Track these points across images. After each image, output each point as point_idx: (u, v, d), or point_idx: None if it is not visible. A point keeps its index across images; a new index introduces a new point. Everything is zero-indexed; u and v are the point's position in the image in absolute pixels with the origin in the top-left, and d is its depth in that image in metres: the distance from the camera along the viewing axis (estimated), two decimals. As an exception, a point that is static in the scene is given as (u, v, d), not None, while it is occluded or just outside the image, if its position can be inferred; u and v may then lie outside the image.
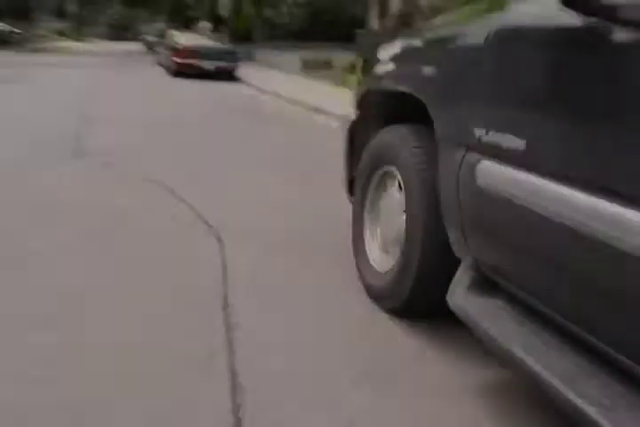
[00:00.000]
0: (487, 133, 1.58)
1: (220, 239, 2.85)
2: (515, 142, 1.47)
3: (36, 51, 26.46)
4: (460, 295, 1.78)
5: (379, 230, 2.44)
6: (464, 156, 1.70)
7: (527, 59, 1.51)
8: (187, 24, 30.93)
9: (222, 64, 15.57)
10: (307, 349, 1.93)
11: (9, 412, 1.48)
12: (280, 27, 27.35)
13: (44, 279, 2.28)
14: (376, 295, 2.31)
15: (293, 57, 18.60)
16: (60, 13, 46.49)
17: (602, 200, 1.20)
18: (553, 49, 1.43)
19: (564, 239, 1.32)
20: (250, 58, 21.29)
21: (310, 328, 2.08)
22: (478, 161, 1.62)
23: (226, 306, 2.15)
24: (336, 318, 2.16)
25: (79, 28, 46.75)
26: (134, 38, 52.42)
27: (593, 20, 1.23)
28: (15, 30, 34.86)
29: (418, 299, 2.09)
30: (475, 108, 1.68)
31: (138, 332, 1.94)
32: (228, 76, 15.55)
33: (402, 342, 2.03)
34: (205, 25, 29.58)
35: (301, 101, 10.00)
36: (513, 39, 1.59)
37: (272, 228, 3.08)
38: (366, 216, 2.52)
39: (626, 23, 1.17)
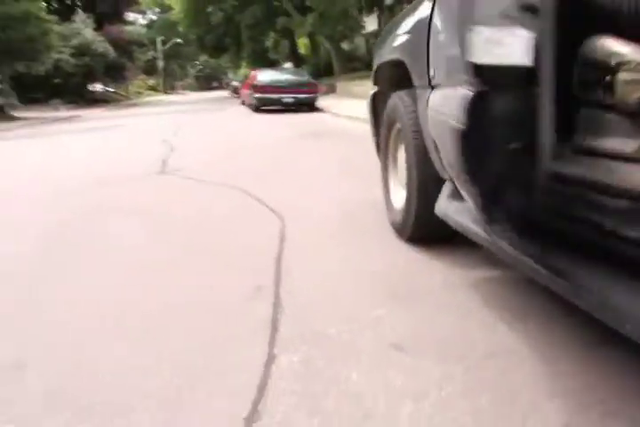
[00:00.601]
0: (434, 73, 2.19)
1: (282, 219, 3.52)
2: (440, 73, 2.08)
3: (129, 105, 29.03)
4: (442, 203, 2.35)
5: (397, 175, 3.06)
6: (428, 95, 2.29)
7: (447, 21, 2.10)
8: (269, 67, 32.78)
9: (301, 96, 16.43)
10: (344, 283, 2.50)
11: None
12: (357, 59, 28.44)
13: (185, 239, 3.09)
14: (397, 229, 2.93)
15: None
16: (151, 69, 50.42)
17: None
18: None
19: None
20: (331, 90, 22.33)
21: (350, 270, 2.68)
22: (430, 93, 2.22)
23: (279, 258, 2.79)
24: (375, 264, 2.75)
25: (169, 81, 50.40)
26: (221, 86, 55.52)
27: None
28: (110, 89, 38.16)
29: (422, 223, 2.66)
30: (429, 58, 2.29)
31: (217, 271, 2.67)
32: (308, 107, 16.39)
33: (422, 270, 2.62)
34: (287, 66, 31.38)
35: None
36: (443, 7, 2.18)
37: (327, 212, 3.70)
38: (389, 165, 3.18)
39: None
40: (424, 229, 2.74)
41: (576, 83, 1.66)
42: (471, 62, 1.65)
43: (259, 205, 3.92)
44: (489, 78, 1.65)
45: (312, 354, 1.79)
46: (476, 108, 1.65)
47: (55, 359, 1.83)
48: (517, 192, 1.70)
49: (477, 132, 1.67)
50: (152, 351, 1.86)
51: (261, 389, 1.58)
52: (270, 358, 1.75)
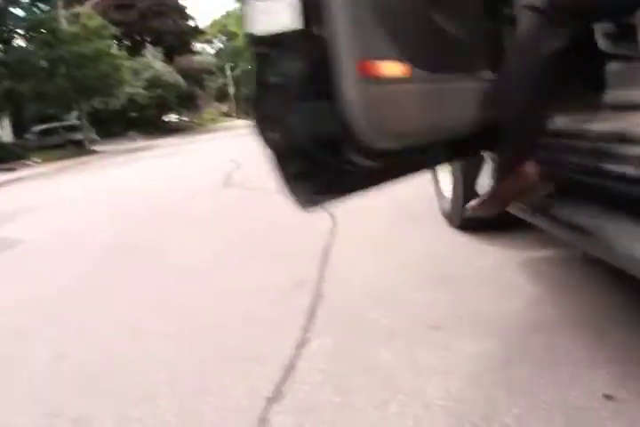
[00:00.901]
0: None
1: (332, 215, 3.53)
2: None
3: (203, 132, 29.88)
4: (482, 182, 2.28)
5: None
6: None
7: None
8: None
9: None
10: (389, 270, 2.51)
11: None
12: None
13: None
14: (448, 217, 2.86)
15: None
16: (222, 96, 51.69)
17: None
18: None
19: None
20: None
21: (396, 258, 2.67)
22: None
23: (327, 250, 2.80)
24: (423, 251, 2.71)
25: (241, 106, 51.50)
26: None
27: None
28: (184, 118, 39.46)
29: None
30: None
31: (276, 258, 2.73)
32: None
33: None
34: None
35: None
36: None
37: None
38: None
39: None
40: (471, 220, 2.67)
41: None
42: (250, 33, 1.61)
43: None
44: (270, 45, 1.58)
45: (346, 337, 1.76)
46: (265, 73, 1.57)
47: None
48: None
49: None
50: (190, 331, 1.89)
51: (289, 369, 1.56)
52: (303, 342, 1.74)
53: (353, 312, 1.96)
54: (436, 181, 3.14)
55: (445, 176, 2.98)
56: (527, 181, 1.51)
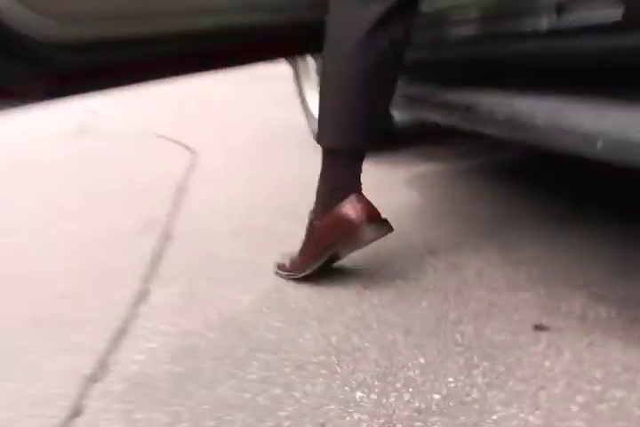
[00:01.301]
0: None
1: (192, 150, 3.11)
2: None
3: None
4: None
5: (309, 78, 2.65)
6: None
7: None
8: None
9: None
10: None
11: None
12: None
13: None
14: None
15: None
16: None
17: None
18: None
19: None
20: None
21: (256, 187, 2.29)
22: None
23: (182, 187, 2.39)
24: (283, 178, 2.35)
25: None
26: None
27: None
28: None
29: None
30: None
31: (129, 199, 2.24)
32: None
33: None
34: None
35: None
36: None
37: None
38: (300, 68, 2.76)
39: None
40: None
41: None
42: None
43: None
44: None
45: (195, 285, 1.40)
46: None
47: None
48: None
49: None
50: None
51: (123, 332, 1.19)
52: (142, 295, 1.36)
53: (204, 254, 1.59)
54: (303, 100, 2.79)
55: (314, 93, 2.64)
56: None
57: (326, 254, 1.23)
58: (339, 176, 1.21)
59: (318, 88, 1.24)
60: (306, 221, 1.28)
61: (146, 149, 3.41)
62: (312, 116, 2.61)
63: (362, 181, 1.21)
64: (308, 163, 2.33)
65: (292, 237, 1.43)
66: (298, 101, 2.87)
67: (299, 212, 1.46)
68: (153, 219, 1.93)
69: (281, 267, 1.37)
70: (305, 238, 1.29)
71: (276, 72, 5.65)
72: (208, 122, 4.20)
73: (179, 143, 3.40)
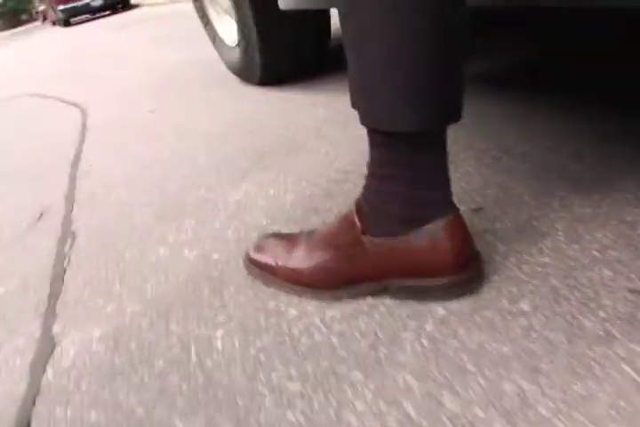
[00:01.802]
0: None
1: (81, 109, 2.73)
2: None
3: None
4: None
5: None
6: None
7: None
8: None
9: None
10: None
11: None
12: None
13: None
14: (238, 70, 2.20)
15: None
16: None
17: None
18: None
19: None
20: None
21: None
22: None
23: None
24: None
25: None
26: (32, 19, 50.51)
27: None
28: None
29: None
30: None
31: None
32: (123, 6, 14.49)
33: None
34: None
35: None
36: None
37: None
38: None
39: None
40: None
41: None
42: None
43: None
44: None
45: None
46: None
47: None
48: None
49: None
50: None
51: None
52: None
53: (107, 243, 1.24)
54: (211, 26, 2.36)
55: (223, 17, 2.26)
56: None
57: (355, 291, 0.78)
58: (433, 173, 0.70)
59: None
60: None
61: (27, 113, 3.01)
62: (226, 45, 2.22)
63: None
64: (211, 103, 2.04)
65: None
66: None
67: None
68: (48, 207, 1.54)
69: (262, 266, 0.85)
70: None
71: (147, 16, 5.18)
72: (90, 73, 3.82)
73: (61, 100, 3.03)
